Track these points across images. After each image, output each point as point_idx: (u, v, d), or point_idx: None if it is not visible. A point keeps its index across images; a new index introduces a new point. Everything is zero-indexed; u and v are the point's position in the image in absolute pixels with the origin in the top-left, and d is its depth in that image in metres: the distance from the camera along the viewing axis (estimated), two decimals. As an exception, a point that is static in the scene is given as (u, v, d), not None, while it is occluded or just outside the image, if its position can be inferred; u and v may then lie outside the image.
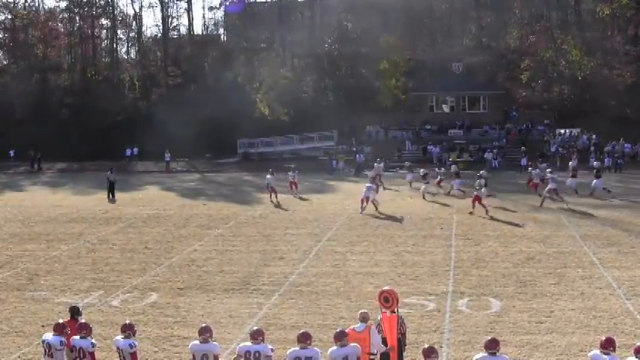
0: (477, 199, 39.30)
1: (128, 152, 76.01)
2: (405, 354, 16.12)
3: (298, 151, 74.49)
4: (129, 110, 78.11)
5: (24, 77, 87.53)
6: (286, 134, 76.44)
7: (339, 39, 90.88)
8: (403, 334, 15.95)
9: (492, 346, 13.55)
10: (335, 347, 13.88)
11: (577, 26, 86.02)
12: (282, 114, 78.75)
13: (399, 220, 37.40)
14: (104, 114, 77.52)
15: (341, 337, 13.93)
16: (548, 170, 47.73)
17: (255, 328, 14.39)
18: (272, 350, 13.86)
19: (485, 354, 13.52)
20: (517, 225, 35.76)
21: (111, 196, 48.44)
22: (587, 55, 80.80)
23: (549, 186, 42.13)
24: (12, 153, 76.20)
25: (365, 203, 40.21)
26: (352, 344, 13.94)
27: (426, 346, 13.71)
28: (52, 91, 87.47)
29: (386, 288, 16.12)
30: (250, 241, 32.94)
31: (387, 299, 15.62)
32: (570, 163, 51.44)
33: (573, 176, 46.78)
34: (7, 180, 62.10)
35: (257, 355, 13.75)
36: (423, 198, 44.67)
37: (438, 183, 47.84)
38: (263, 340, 13.97)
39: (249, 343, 13.89)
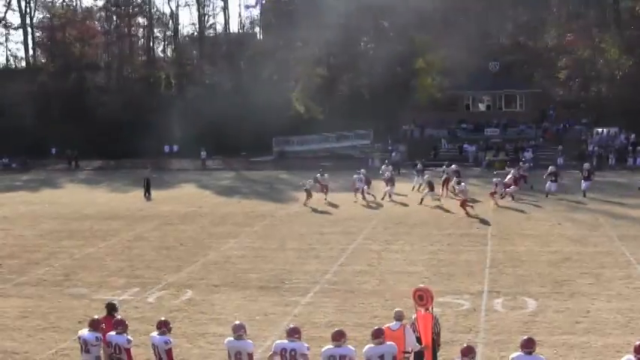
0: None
1: (167, 149, 76.47)
2: (439, 353, 16.05)
3: (334, 149, 74.41)
4: (165, 108, 78.41)
5: (61, 76, 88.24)
6: (322, 132, 76.40)
7: (374, 37, 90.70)
8: (437, 334, 15.88)
9: (529, 345, 13.46)
10: (371, 345, 13.84)
11: (615, 24, 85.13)
12: (318, 112, 78.72)
13: (434, 219, 37.20)
14: (140, 112, 77.94)
15: (378, 335, 13.90)
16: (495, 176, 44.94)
17: (291, 325, 14.38)
18: (307, 348, 13.86)
19: (521, 353, 13.44)
20: (554, 224, 35.49)
21: (147, 194, 48.65)
22: (625, 54, 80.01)
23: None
24: (53, 150, 76.98)
25: (359, 194, 44.39)
26: (389, 343, 13.90)
27: (465, 345, 13.65)
28: (88, 90, 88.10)
29: (421, 286, 16.06)
30: (285, 239, 32.96)
31: (422, 297, 15.55)
32: (584, 165, 47.42)
33: (586, 178, 44.92)
34: (45, 177, 62.67)
35: (293, 352, 13.74)
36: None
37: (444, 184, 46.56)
38: (299, 338, 13.96)
39: (285, 341, 13.89)
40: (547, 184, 44.78)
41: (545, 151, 69.19)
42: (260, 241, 32.72)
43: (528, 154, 66.92)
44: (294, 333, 13.99)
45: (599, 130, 73.94)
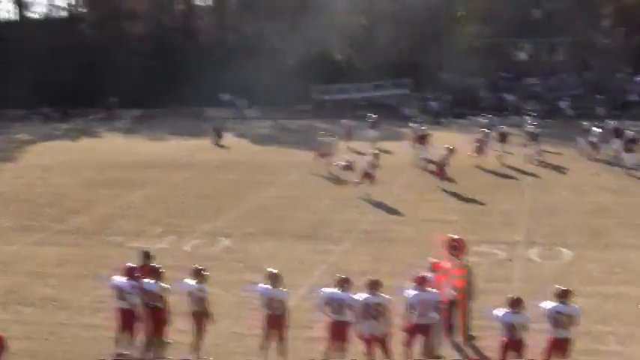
0: None
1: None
2: (473, 305, 16.06)
3: (372, 98, 73.94)
4: (204, 58, 78.10)
5: (101, 26, 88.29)
6: (360, 81, 75.90)
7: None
8: (471, 284, 15.87)
9: (564, 294, 13.51)
10: (415, 291, 13.93)
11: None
12: (357, 61, 78.20)
13: (470, 169, 36.80)
14: (178, 62, 77.85)
15: (422, 282, 14.00)
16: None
17: (342, 275, 14.47)
18: (356, 300, 13.93)
19: (557, 302, 13.47)
20: (592, 174, 35.16)
21: (218, 139, 49.10)
22: (671, 1, 78.50)
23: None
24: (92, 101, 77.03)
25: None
26: (433, 290, 13.99)
27: (514, 297, 13.72)
28: (127, 40, 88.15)
29: (454, 236, 16.05)
30: (321, 188, 33.01)
31: (455, 247, 15.58)
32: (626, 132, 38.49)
33: (629, 150, 36.27)
34: (84, 126, 63.06)
35: (341, 302, 13.89)
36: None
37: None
38: (349, 288, 14.09)
39: (335, 290, 14.03)
40: (622, 155, 36.87)
41: (585, 101, 68.31)
42: (297, 190, 32.79)
43: (563, 104, 66.07)
44: (343, 283, 14.12)
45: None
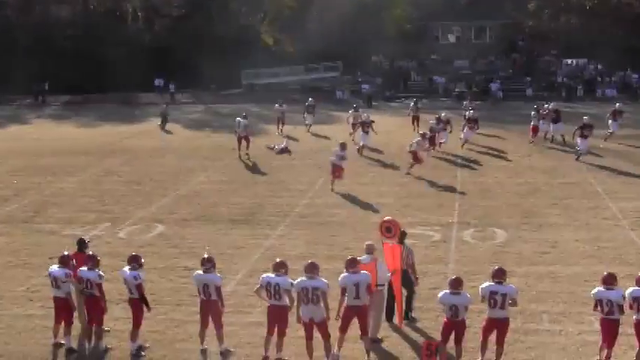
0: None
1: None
2: (416, 287, 16.24)
3: (303, 81, 73.91)
4: (133, 42, 77.15)
5: (26, 10, 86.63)
6: (291, 65, 75.80)
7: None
8: (411, 265, 16.01)
9: (499, 275, 13.73)
10: (346, 273, 13.99)
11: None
12: (287, 44, 78.04)
13: (404, 152, 36.73)
14: (107, 46, 76.79)
15: (353, 265, 14.06)
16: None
17: (278, 259, 14.46)
18: (291, 284, 13.95)
19: (492, 283, 13.68)
20: (523, 156, 35.65)
21: (163, 125, 48.67)
22: (594, -16, 79.71)
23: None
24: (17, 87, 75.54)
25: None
26: (363, 272, 14.05)
27: (454, 277, 13.92)
28: (55, 24, 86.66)
29: (388, 218, 16.15)
30: (256, 173, 32.96)
31: (389, 229, 15.69)
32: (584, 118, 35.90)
33: (584, 136, 34.60)
34: (11, 113, 61.93)
35: (277, 287, 13.90)
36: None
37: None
38: (286, 273, 14.09)
39: (271, 275, 14.02)
40: (578, 141, 35.02)
41: (514, 83, 69.20)
42: (230, 175, 32.67)
43: (494, 86, 66.82)
44: (279, 267, 14.11)
45: (568, 61, 74.00)
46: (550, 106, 39.65)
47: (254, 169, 33.92)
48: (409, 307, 16.14)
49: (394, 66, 77.02)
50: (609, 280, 13.57)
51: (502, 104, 57.03)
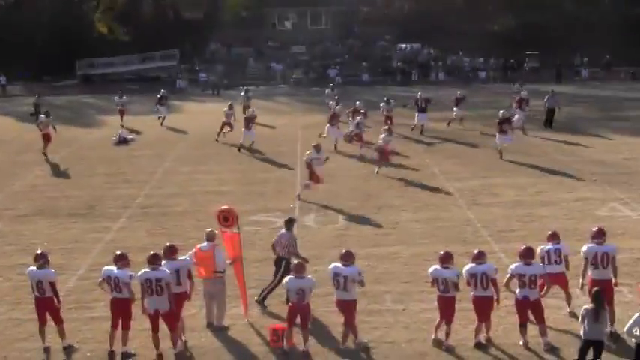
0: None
1: None
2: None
3: (140, 71, 72.81)
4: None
5: None
6: (127, 54, 74.43)
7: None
8: (294, 253, 16.22)
9: (347, 257, 14.07)
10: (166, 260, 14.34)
11: None
12: (122, 34, 76.60)
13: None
14: None
15: (171, 252, 14.49)
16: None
17: (118, 252, 14.39)
18: (131, 277, 13.89)
19: (339, 264, 14.01)
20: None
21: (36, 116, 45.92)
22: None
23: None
24: None
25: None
26: (184, 257, 14.38)
27: (298, 262, 14.52)
28: None
29: (224, 207, 16.23)
30: (94, 165, 32.38)
31: (227, 218, 15.79)
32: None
33: (502, 132, 31.81)
34: None
35: (117, 280, 13.84)
36: None
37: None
38: (126, 265, 14.05)
39: (112, 267, 13.96)
40: (497, 137, 32.35)
41: (351, 69, 70.26)
42: (68, 168, 31.97)
43: (333, 72, 67.69)
44: (119, 260, 14.04)
45: (403, 46, 75.68)
46: (418, 95, 38.93)
47: (93, 161, 33.28)
48: (268, 293, 16.30)
49: (232, 53, 76.92)
50: (445, 259, 14.12)
51: (340, 89, 57.74)
